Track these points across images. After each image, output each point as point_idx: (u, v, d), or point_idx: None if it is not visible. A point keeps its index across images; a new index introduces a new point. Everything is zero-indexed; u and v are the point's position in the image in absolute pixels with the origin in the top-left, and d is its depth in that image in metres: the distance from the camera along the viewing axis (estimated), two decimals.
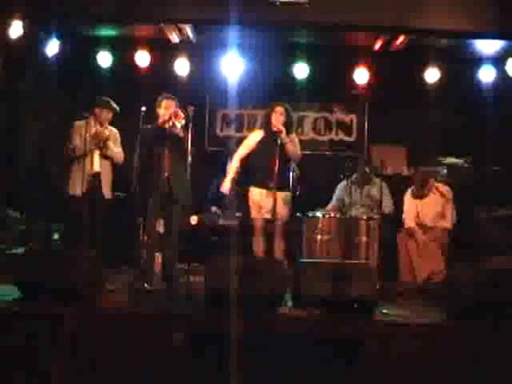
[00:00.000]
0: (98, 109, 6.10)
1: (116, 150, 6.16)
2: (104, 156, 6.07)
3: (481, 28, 6.08)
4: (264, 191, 5.83)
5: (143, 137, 5.70)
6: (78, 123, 6.07)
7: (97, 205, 6.04)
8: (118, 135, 6.27)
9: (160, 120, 5.73)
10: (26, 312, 4.29)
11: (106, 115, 6.14)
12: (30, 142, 7.36)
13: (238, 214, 6.86)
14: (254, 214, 5.94)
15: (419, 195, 6.48)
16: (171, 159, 5.66)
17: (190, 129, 5.44)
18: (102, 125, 6.11)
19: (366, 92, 7.81)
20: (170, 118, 5.62)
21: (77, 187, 5.88)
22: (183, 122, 5.60)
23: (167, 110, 5.72)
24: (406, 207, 6.52)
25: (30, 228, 6.66)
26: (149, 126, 5.78)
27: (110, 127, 6.20)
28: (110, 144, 6.10)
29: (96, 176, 6.03)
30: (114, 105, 6.17)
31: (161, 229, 6.03)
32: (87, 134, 5.88)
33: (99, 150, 6.02)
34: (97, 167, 6.03)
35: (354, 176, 6.66)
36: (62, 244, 6.75)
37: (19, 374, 4.08)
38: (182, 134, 5.54)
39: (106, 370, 4.13)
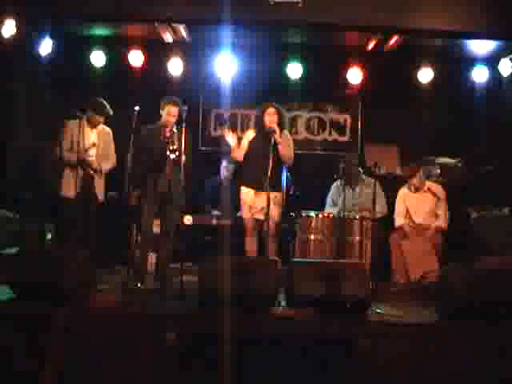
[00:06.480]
0: (91, 112, 6.08)
1: (106, 166, 6.15)
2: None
3: (472, 28, 6.08)
4: (253, 191, 5.85)
5: (143, 136, 5.71)
6: (70, 122, 6.04)
7: (90, 207, 6.04)
8: (110, 135, 6.26)
9: (161, 122, 5.79)
10: (15, 312, 4.28)
11: (99, 119, 6.12)
12: (22, 143, 7.32)
13: (233, 214, 6.87)
14: (244, 213, 5.97)
15: (409, 187, 6.57)
16: (171, 160, 5.66)
17: (183, 128, 5.44)
18: (93, 127, 6.09)
19: (360, 92, 7.84)
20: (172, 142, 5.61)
21: (69, 189, 5.88)
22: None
23: (169, 116, 5.74)
24: (397, 206, 6.58)
25: (23, 228, 6.63)
26: (149, 126, 5.79)
27: (103, 126, 6.20)
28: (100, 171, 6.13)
29: (89, 178, 6.03)
30: (109, 109, 6.12)
31: (156, 229, 6.02)
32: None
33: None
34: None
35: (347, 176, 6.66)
36: (54, 244, 6.73)
37: (7, 373, 4.07)
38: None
39: (96, 371, 4.13)
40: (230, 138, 5.91)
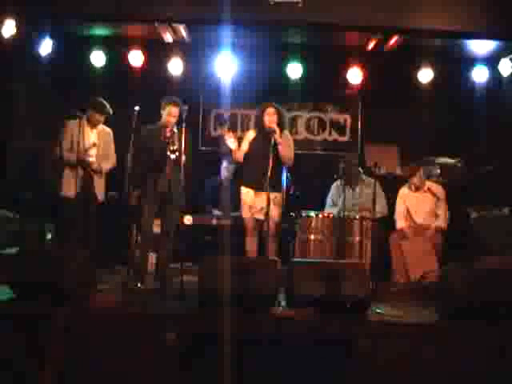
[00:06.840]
0: (91, 111, 6.08)
1: (106, 166, 6.16)
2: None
3: (472, 28, 6.08)
4: (253, 191, 5.86)
5: (143, 136, 5.71)
6: (69, 122, 6.03)
7: (90, 207, 6.05)
8: (111, 135, 6.26)
9: (162, 122, 5.79)
10: (15, 312, 4.28)
11: (99, 118, 6.12)
12: (22, 143, 7.32)
13: (233, 214, 6.86)
14: (244, 213, 5.98)
15: (409, 186, 6.59)
16: (171, 160, 5.65)
17: (183, 128, 5.44)
18: (93, 127, 6.09)
19: (360, 92, 7.83)
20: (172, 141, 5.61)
21: (69, 189, 5.88)
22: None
23: (170, 116, 5.74)
24: (397, 207, 6.59)
25: (23, 228, 6.63)
26: (149, 126, 5.79)
27: (103, 126, 6.20)
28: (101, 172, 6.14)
29: (89, 178, 6.03)
30: (109, 109, 6.13)
31: (156, 229, 6.02)
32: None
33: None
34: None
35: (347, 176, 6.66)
36: (54, 244, 6.73)
37: (7, 374, 4.07)
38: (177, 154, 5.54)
39: (96, 371, 4.12)
40: (231, 141, 5.90)
